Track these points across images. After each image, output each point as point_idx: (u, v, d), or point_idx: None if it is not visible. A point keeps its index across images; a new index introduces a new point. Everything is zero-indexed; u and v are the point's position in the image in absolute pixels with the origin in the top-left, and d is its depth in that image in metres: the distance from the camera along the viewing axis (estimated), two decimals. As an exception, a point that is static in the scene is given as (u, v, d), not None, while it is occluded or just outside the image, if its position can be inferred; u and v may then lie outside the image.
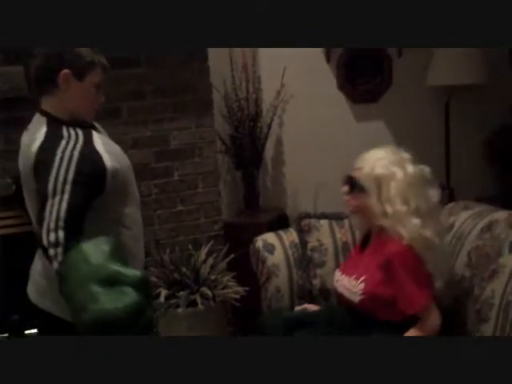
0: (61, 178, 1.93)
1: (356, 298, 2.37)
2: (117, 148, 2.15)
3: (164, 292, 3.15)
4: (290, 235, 2.94)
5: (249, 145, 3.66)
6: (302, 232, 2.88)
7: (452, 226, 2.63)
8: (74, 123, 2.07)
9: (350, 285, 2.42)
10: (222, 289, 3.23)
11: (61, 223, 1.89)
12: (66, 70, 2.02)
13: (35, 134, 2.06)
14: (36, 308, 2.15)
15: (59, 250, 1.87)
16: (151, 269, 3.27)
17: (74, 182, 1.92)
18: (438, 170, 3.41)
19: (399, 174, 2.33)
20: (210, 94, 3.56)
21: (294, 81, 3.72)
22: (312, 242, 2.85)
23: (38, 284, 2.17)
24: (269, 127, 3.71)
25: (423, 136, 3.93)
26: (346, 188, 2.44)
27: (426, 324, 2.29)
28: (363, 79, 3.98)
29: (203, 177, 3.60)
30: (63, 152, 1.96)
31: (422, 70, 3.88)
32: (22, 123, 3.18)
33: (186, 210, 3.56)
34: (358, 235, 2.73)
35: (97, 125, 2.24)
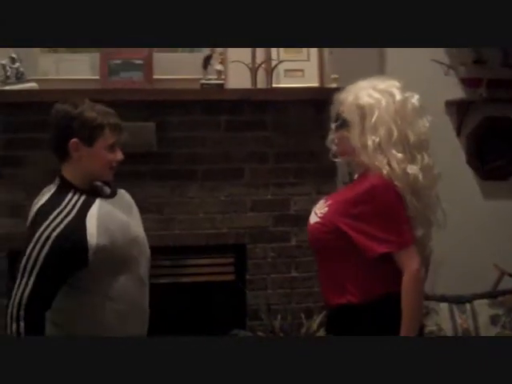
0: (32, 258, 2.01)
1: (312, 220, 2.16)
2: (119, 221, 2.17)
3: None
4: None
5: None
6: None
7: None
8: (85, 188, 2.16)
9: (319, 208, 2.20)
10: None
11: (22, 312, 1.97)
12: (74, 140, 2.11)
13: (44, 194, 2.18)
14: None
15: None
16: (259, 333, 3.22)
17: (45, 262, 2.00)
18: None
19: (384, 101, 2.08)
20: (334, 162, 3.52)
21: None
22: (430, 326, 2.71)
23: None
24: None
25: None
26: (332, 127, 2.20)
27: (411, 268, 2.03)
28: (494, 155, 3.82)
29: (320, 244, 3.54)
30: (49, 224, 2.03)
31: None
32: (150, 178, 3.30)
33: (300, 276, 3.50)
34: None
35: (120, 191, 2.31)
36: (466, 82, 3.59)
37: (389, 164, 2.05)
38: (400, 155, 2.06)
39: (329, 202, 2.15)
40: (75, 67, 3.40)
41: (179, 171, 3.36)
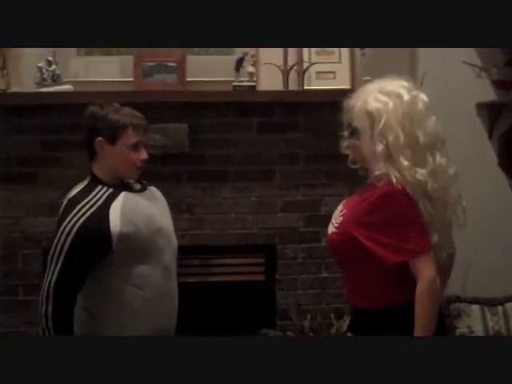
0: (58, 247, 2.16)
1: (330, 230, 2.14)
2: (144, 212, 2.28)
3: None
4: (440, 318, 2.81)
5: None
6: (449, 316, 2.73)
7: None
8: (113, 183, 2.28)
9: (334, 217, 2.18)
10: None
11: (50, 296, 2.13)
12: (99, 138, 2.26)
13: (76, 188, 2.33)
14: None
15: (50, 323, 2.13)
16: (289, 333, 3.24)
17: (70, 251, 2.15)
18: None
19: (392, 104, 2.01)
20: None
21: (453, 154, 3.61)
22: (461, 327, 2.70)
23: None
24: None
25: None
26: (346, 135, 2.15)
27: (425, 277, 1.97)
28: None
29: (350, 245, 3.55)
30: (74, 215, 2.18)
31: None
32: (182, 179, 3.34)
33: (330, 277, 3.51)
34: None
35: (151, 188, 2.43)
36: (498, 85, 3.57)
37: (398, 170, 2.00)
38: (406, 163, 2.00)
39: (344, 212, 2.13)
40: (105, 69, 3.45)
41: (211, 172, 3.40)
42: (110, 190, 2.26)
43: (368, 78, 3.30)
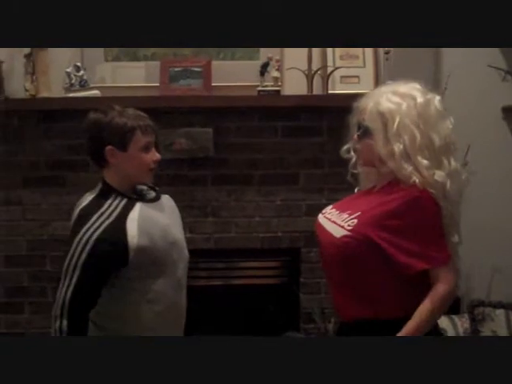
0: (74, 259, 2.07)
1: (338, 233, 1.99)
2: (159, 224, 2.20)
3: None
4: (465, 321, 2.80)
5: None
6: (474, 321, 2.73)
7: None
8: (127, 192, 2.21)
9: (338, 218, 2.05)
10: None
11: (65, 311, 2.04)
12: (109, 147, 2.16)
13: (87, 197, 2.24)
14: None
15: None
16: (313, 336, 3.26)
17: (86, 264, 2.05)
18: None
19: (405, 105, 1.96)
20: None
21: (478, 158, 3.61)
22: (485, 332, 2.69)
23: None
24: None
25: None
26: (355, 137, 2.08)
27: (448, 285, 1.92)
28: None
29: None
30: (90, 227, 2.09)
31: None
32: (207, 183, 3.37)
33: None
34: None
35: (164, 196, 2.35)
36: (524, 88, 3.56)
37: (418, 171, 1.95)
38: (426, 162, 1.95)
39: (358, 214, 2.01)
40: (131, 74, 3.49)
41: (236, 176, 3.42)
42: (125, 200, 2.18)
43: (392, 82, 3.31)
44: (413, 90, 2.01)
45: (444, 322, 2.81)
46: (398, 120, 1.96)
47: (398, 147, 1.96)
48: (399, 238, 1.92)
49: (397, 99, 1.98)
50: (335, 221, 2.06)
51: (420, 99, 1.98)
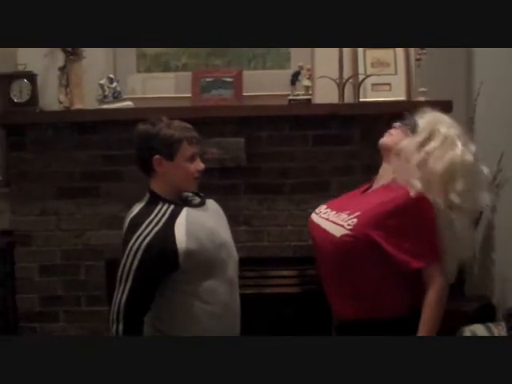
0: (127, 267, 2.15)
1: (338, 233, 2.06)
2: (207, 227, 2.27)
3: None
4: (502, 329, 2.76)
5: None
6: (511, 330, 2.69)
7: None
8: (174, 199, 2.29)
9: (337, 218, 2.11)
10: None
11: (121, 316, 2.12)
12: (156, 156, 2.26)
13: (136, 206, 2.33)
14: None
15: None
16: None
17: (139, 270, 2.13)
18: None
19: (459, 149, 2.06)
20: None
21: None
22: (502, 337, 2.66)
23: None
24: (481, 212, 3.57)
25: None
26: (398, 123, 2.20)
27: (439, 284, 1.99)
28: None
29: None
30: (140, 234, 2.17)
31: None
32: (237, 192, 3.38)
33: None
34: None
35: (209, 201, 2.43)
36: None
37: (427, 180, 2.03)
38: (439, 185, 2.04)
39: (357, 213, 2.08)
40: (161, 85, 3.54)
41: (268, 185, 3.43)
42: (172, 207, 2.27)
43: (424, 89, 3.30)
44: (462, 138, 2.09)
45: (480, 330, 2.78)
46: (438, 144, 2.05)
47: (422, 157, 2.05)
48: (396, 236, 2.00)
49: (450, 131, 2.08)
50: (334, 220, 2.12)
51: (461, 154, 2.05)
